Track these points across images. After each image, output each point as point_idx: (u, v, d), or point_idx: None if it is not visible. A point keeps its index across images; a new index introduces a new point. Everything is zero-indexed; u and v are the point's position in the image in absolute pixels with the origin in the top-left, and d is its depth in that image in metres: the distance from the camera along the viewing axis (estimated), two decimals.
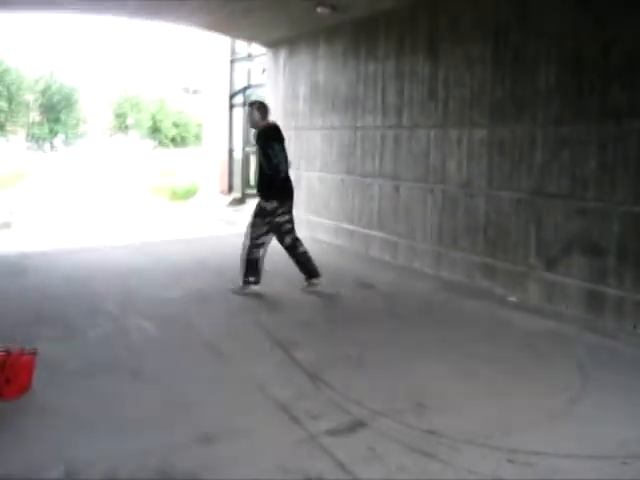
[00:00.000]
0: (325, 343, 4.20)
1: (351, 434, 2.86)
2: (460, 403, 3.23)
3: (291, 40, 8.68)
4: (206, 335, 4.27)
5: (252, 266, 5.26)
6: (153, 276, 6.01)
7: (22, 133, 51.75)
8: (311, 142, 8.35)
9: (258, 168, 5.34)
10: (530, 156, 5.17)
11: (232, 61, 13.59)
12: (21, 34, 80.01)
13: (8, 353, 3.17)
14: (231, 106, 13.66)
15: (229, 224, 10.41)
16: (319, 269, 5.43)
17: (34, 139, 51.91)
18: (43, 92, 51.73)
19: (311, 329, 4.51)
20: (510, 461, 2.63)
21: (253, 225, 5.27)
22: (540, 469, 2.58)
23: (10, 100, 48.42)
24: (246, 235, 5.29)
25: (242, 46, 13.07)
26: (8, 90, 47.87)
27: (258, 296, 5.25)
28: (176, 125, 58.14)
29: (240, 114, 12.79)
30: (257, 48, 11.60)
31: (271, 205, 5.20)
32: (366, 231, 7.29)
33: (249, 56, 12.84)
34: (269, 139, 5.20)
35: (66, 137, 54.70)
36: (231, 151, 13.77)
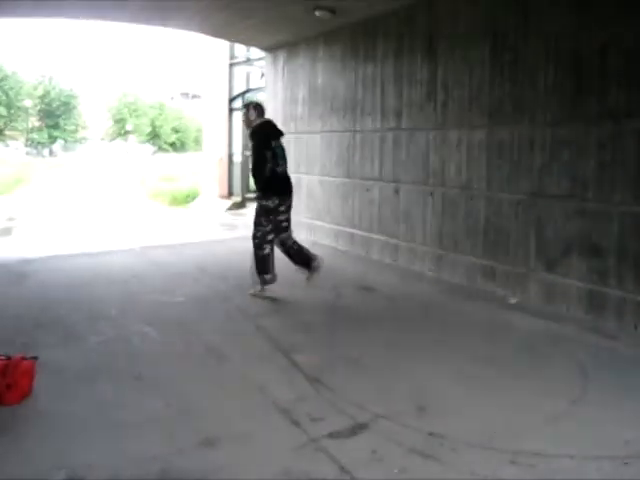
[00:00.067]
0: (326, 346, 4.20)
1: (352, 437, 2.86)
2: (461, 405, 3.23)
3: (290, 44, 8.69)
4: (207, 339, 4.27)
5: (264, 264, 5.27)
6: (153, 281, 6.02)
7: (21, 139, 51.85)
8: (311, 146, 8.36)
9: (254, 166, 5.29)
10: (529, 157, 5.18)
11: (231, 65, 13.62)
12: (20, 40, 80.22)
13: (9, 359, 3.18)
14: (230, 110, 13.69)
15: (229, 228, 10.42)
16: (312, 253, 5.47)
17: (33, 145, 51.99)
18: (42, 98, 51.89)
19: (312, 332, 4.51)
20: (512, 462, 2.63)
21: (258, 224, 5.28)
22: (541, 470, 2.58)
23: (9, 106, 48.57)
24: (253, 236, 5.31)
25: (241, 50, 13.11)
26: (7, 96, 48.02)
27: (259, 300, 5.26)
28: (175, 130, 58.28)
29: (239, 118, 12.83)
30: (256, 52, 11.63)
31: (273, 203, 5.22)
32: (366, 234, 7.30)
33: (248, 60, 12.87)
34: (264, 137, 5.22)
35: (65, 143, 54.81)
36: (231, 155, 13.79)
